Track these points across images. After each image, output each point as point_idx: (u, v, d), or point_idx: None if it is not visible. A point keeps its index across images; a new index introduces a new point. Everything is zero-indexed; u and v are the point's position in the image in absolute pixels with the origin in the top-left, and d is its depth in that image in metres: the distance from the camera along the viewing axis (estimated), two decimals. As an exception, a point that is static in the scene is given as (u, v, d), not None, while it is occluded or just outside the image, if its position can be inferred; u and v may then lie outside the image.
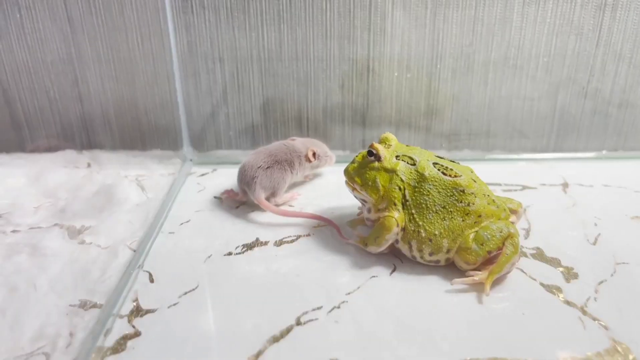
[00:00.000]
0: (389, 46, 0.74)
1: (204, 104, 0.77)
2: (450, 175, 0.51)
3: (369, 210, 0.54)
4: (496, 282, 0.50)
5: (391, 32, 0.73)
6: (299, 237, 0.58)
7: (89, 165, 0.77)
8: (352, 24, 0.72)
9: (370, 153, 0.54)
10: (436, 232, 0.50)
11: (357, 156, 0.56)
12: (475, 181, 0.52)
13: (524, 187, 0.70)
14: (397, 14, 0.72)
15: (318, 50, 0.74)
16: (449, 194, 0.51)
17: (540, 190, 0.69)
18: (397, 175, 0.52)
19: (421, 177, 0.51)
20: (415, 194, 0.51)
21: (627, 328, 0.44)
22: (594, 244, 0.57)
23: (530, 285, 0.50)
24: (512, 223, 0.50)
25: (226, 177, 0.74)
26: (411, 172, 0.52)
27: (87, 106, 0.77)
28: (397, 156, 0.53)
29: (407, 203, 0.51)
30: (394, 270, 0.52)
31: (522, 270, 0.52)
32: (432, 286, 0.50)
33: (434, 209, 0.50)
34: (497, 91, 0.77)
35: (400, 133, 0.79)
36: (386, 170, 0.53)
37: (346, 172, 0.56)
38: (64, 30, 0.72)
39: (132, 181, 0.72)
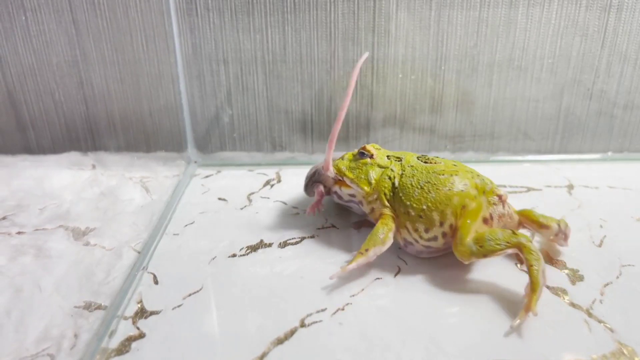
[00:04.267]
0: (393, 48, 0.74)
1: (208, 106, 0.77)
2: (431, 162, 0.55)
3: (360, 204, 0.57)
4: (500, 285, 0.50)
5: (395, 34, 0.73)
6: (303, 238, 0.58)
7: (93, 166, 0.77)
8: (357, 26, 0.72)
9: (362, 154, 0.57)
10: (424, 207, 0.51)
11: (347, 154, 0.59)
12: (456, 165, 0.55)
13: (529, 189, 0.70)
14: (401, 15, 0.72)
15: (322, 52, 0.74)
16: (431, 172, 0.53)
17: (545, 192, 0.69)
18: (389, 168, 0.55)
19: (407, 167, 0.55)
20: (402, 179, 0.54)
21: (632, 330, 0.44)
22: (600, 246, 0.56)
23: (535, 287, 0.49)
24: (523, 234, 0.49)
25: (230, 179, 0.75)
26: (399, 166, 0.56)
27: (92, 108, 0.77)
28: (387, 156, 0.57)
29: (396, 190, 0.54)
30: (398, 272, 0.52)
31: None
32: (437, 288, 0.49)
33: (419, 186, 0.52)
34: (502, 93, 0.77)
35: (404, 135, 0.79)
36: (379, 165, 0.56)
37: (335, 167, 0.58)
38: (69, 33, 0.72)
39: (136, 183, 0.72)
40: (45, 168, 0.76)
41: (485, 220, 0.51)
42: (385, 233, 0.52)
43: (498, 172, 0.75)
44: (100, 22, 0.72)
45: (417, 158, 0.56)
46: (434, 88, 0.76)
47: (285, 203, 0.67)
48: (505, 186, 0.70)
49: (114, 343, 0.43)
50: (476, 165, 0.58)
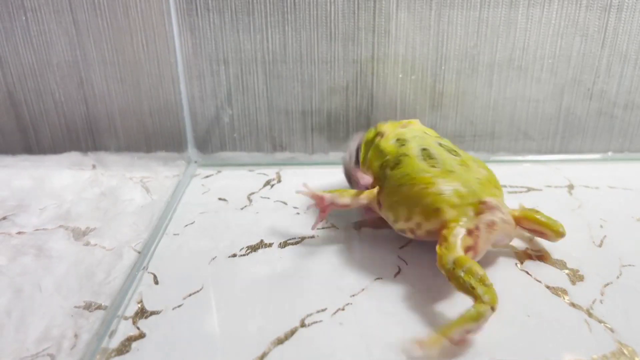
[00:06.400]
0: (393, 48, 0.74)
1: (208, 106, 0.77)
2: (428, 164, 0.53)
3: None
4: (501, 285, 0.50)
5: (395, 34, 0.73)
6: (303, 238, 0.58)
7: (94, 167, 0.77)
8: (357, 26, 0.72)
9: (377, 134, 0.60)
10: (395, 199, 0.52)
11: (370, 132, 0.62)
12: (452, 171, 0.52)
13: (529, 189, 0.70)
14: (401, 15, 0.72)
15: (322, 52, 0.74)
16: (417, 168, 0.53)
17: (545, 192, 0.69)
18: (384, 155, 0.57)
19: (402, 156, 0.55)
20: (393, 170, 0.54)
21: (633, 330, 0.44)
22: (600, 246, 0.56)
23: (535, 287, 0.49)
24: (492, 291, 0.44)
25: (231, 179, 0.75)
26: (396, 152, 0.56)
27: (92, 108, 0.77)
28: (397, 139, 0.58)
29: (385, 179, 0.55)
30: (398, 273, 0.52)
31: (527, 273, 0.51)
32: (437, 288, 0.49)
33: (398, 176, 0.53)
34: (502, 93, 0.77)
35: (404, 135, 0.79)
36: (377, 148, 0.58)
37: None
38: (69, 33, 0.72)
39: (136, 183, 0.72)
40: (46, 168, 0.77)
41: (469, 232, 0.48)
42: (357, 195, 0.55)
43: (498, 172, 0.74)
44: (101, 22, 0.72)
45: (423, 150, 0.55)
46: (434, 88, 0.76)
47: (285, 203, 0.67)
48: (505, 186, 0.70)
49: (114, 343, 0.43)
50: (476, 165, 0.58)
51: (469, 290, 0.44)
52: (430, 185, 0.50)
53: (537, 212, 0.54)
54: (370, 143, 0.60)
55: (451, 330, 0.42)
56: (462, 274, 0.44)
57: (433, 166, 0.53)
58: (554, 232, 0.53)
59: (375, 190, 0.55)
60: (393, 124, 0.62)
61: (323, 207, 0.56)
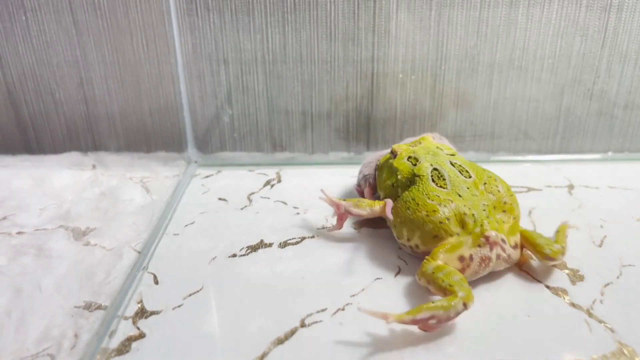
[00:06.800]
0: (393, 48, 0.74)
1: (208, 106, 0.77)
2: (438, 184, 0.53)
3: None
4: (501, 285, 0.50)
5: (395, 34, 0.73)
6: (303, 238, 0.58)
7: (94, 167, 0.77)
8: (357, 26, 0.72)
9: (392, 153, 0.60)
10: (398, 220, 0.53)
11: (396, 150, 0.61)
12: (461, 195, 0.51)
13: (529, 189, 0.70)
14: (401, 15, 0.72)
15: (322, 52, 0.74)
16: (424, 192, 0.52)
17: (545, 192, 0.69)
18: (397, 174, 0.57)
19: (415, 177, 0.55)
20: (405, 192, 0.54)
21: (633, 331, 0.44)
22: (600, 246, 0.56)
23: (535, 287, 0.49)
24: (468, 288, 0.44)
25: (231, 179, 0.75)
26: (409, 172, 0.56)
27: (92, 108, 0.77)
28: (409, 157, 0.57)
29: (398, 198, 0.55)
30: (398, 272, 0.52)
31: (528, 273, 0.51)
32: (437, 288, 0.49)
33: (407, 199, 0.53)
34: (502, 93, 0.77)
35: (404, 135, 0.79)
36: (390, 167, 0.58)
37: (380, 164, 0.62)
38: (69, 33, 0.72)
39: (136, 183, 0.72)
40: (46, 168, 0.77)
41: (461, 259, 0.48)
42: (372, 206, 0.56)
43: (498, 172, 0.74)
44: (101, 22, 0.72)
45: (433, 170, 0.54)
46: (434, 88, 0.76)
47: (285, 203, 0.67)
48: (505, 186, 0.70)
49: (114, 343, 0.43)
50: (476, 165, 0.58)
51: (447, 289, 0.44)
52: (432, 213, 0.50)
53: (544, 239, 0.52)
54: (384, 165, 0.60)
55: (420, 311, 0.42)
56: (441, 275, 0.46)
57: (442, 187, 0.52)
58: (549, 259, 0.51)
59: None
60: (406, 144, 0.61)
61: (340, 214, 0.57)
